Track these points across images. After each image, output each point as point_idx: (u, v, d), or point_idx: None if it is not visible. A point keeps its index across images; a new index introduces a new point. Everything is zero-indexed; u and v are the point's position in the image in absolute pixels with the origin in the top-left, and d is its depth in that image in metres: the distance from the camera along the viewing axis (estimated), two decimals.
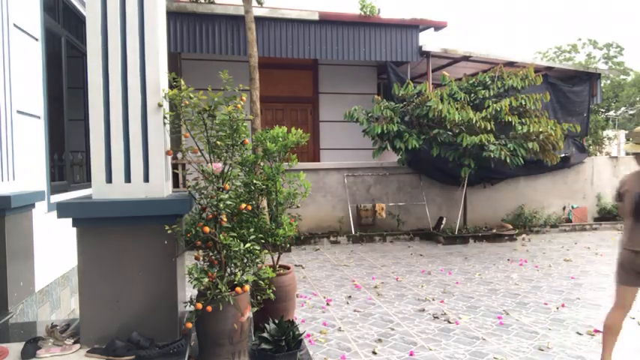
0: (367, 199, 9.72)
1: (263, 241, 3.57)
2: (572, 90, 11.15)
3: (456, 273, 6.59)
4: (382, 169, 9.90)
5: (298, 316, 4.66)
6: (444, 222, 9.57)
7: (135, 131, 2.89)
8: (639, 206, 3.12)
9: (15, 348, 2.64)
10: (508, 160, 8.32)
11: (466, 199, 9.68)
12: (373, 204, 9.52)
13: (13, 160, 3.35)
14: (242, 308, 2.91)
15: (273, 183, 3.79)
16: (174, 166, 7.90)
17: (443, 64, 11.33)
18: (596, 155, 15.20)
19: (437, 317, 4.69)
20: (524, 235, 9.68)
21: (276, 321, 3.33)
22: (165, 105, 3.02)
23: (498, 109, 8.45)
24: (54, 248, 4.10)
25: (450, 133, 8.66)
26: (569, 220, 10.75)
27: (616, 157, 11.75)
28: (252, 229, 3.28)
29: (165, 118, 2.99)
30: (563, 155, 10.25)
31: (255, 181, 3.64)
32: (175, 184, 8.13)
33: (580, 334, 4.22)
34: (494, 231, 9.41)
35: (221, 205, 2.94)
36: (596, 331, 4.23)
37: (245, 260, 3.08)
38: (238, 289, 2.93)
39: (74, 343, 2.70)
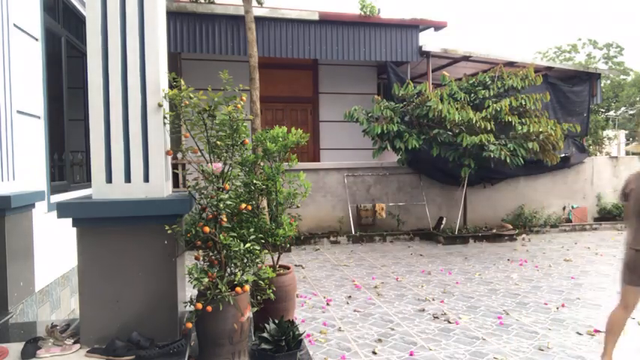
0: (367, 199, 9.72)
1: (263, 241, 3.57)
2: (572, 90, 11.15)
3: (456, 273, 6.59)
4: (382, 169, 9.90)
5: (298, 316, 4.66)
6: (444, 222, 9.57)
7: (135, 131, 2.89)
8: None
9: (15, 348, 2.64)
10: (508, 160, 8.32)
11: (466, 199, 9.68)
12: (373, 204, 9.52)
13: (13, 160, 3.35)
14: (242, 308, 2.91)
15: (273, 183, 3.79)
16: (174, 166, 7.90)
17: (443, 64, 11.33)
18: (596, 155, 15.21)
19: (437, 317, 4.69)
20: (524, 235, 9.68)
21: (276, 321, 3.33)
22: (166, 105, 3.02)
23: (498, 109, 8.45)
24: (54, 248, 4.10)
25: (450, 133, 8.66)
26: (569, 220, 10.75)
27: (616, 157, 11.76)
28: (252, 229, 3.28)
29: (165, 118, 2.99)
30: (563, 155, 10.25)
31: (255, 181, 3.64)
32: (175, 184, 8.13)
33: (580, 334, 4.22)
34: (494, 231, 9.41)
35: (221, 205, 2.94)
36: (596, 331, 4.23)
37: (245, 260, 3.08)
38: (238, 289, 2.93)
39: (74, 343, 2.70)
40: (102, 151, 2.86)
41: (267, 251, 3.83)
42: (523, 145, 8.47)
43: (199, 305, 2.76)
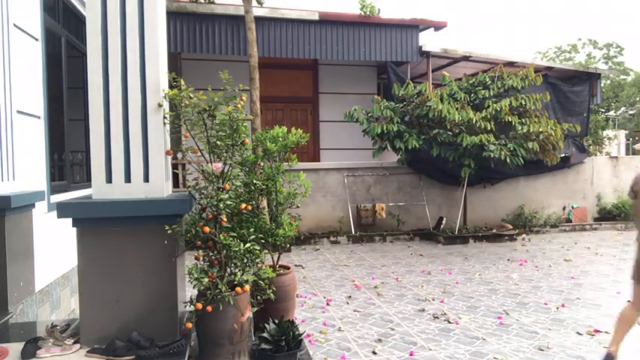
0: (367, 199, 9.72)
1: (263, 241, 3.57)
2: (572, 90, 11.15)
3: (456, 273, 6.59)
4: (382, 169, 9.90)
5: (298, 316, 4.66)
6: (444, 222, 9.57)
7: (135, 131, 2.89)
8: None
9: (15, 348, 2.64)
10: (508, 160, 8.32)
11: (466, 199, 9.68)
12: (373, 204, 9.52)
13: (13, 160, 3.35)
14: (242, 308, 2.91)
15: (273, 183, 3.79)
16: (174, 166, 7.90)
17: (443, 64, 11.33)
18: (596, 155, 15.22)
19: (437, 317, 4.69)
20: (524, 235, 9.68)
21: (276, 321, 3.33)
22: (165, 105, 3.02)
23: (498, 109, 8.44)
24: (54, 248, 4.10)
25: (450, 133, 8.66)
26: (569, 220, 10.75)
27: (616, 157, 11.76)
28: (252, 229, 3.28)
29: (165, 118, 2.99)
30: (563, 155, 10.25)
31: (255, 181, 3.64)
32: (175, 184, 8.13)
33: (580, 334, 4.22)
34: (494, 231, 9.41)
35: (221, 205, 2.94)
36: (596, 331, 4.23)
37: (245, 260, 3.08)
38: (238, 289, 2.93)
39: (74, 343, 2.70)
40: (102, 151, 2.86)
41: (267, 251, 3.83)
42: (523, 145, 8.47)
43: (199, 305, 2.76)
